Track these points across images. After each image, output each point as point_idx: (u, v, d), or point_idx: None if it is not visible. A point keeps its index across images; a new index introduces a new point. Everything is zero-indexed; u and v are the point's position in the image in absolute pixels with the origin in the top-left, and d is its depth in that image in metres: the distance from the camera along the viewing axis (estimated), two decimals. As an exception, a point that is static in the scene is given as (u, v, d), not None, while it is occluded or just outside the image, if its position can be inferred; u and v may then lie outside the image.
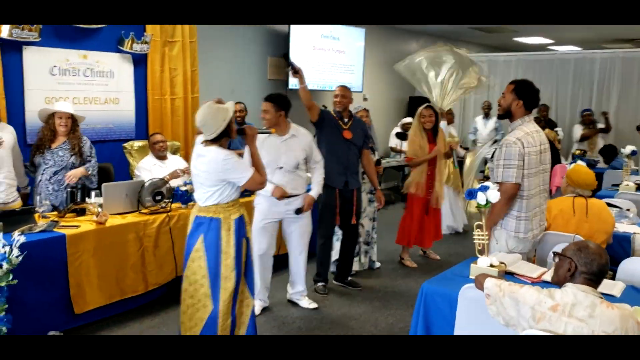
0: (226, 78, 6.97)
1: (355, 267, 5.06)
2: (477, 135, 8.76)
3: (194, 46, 6.16)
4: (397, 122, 9.14)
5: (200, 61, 6.30)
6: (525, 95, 3.19)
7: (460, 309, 2.56)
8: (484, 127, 8.71)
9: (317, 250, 4.62)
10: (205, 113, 2.98)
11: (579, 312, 1.97)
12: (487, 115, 8.70)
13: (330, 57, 8.18)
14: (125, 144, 5.41)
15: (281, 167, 3.94)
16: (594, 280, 2.07)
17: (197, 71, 6.24)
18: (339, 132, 4.49)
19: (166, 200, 4.31)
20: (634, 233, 3.80)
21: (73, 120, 4.38)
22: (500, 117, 3.34)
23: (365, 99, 9.11)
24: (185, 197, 4.41)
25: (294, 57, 7.49)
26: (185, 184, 4.47)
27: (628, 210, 4.42)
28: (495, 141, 8.41)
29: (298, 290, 4.33)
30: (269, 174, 3.78)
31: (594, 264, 2.06)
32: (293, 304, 4.36)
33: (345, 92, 4.60)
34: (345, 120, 4.56)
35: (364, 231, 5.09)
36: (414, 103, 9.58)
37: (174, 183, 4.52)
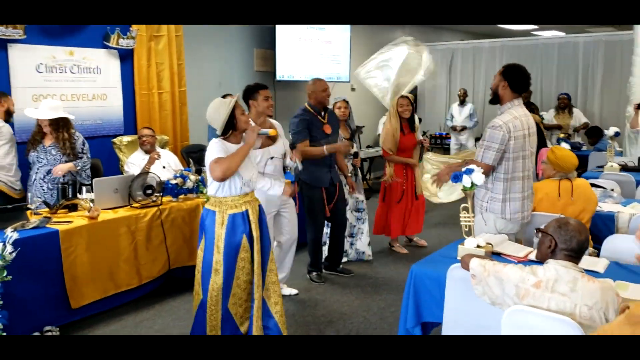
0: (213, 71, 6.98)
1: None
2: (453, 121, 9.00)
3: (179, 40, 6.17)
4: (384, 112, 9.19)
5: (187, 55, 6.32)
6: (510, 76, 3.25)
7: (449, 289, 2.62)
8: (459, 114, 8.95)
9: (309, 244, 4.66)
10: (209, 110, 3.10)
11: (560, 287, 2.03)
12: (462, 103, 8.94)
13: (317, 47, 8.20)
14: (115, 140, 5.44)
15: (272, 158, 3.94)
16: (574, 256, 2.14)
17: (183, 65, 6.25)
18: (320, 128, 4.44)
19: (157, 194, 4.34)
20: (618, 212, 3.89)
21: (59, 120, 4.37)
22: (491, 102, 3.39)
23: (352, 89, 9.15)
24: (176, 190, 4.44)
25: (280, 48, 7.54)
26: (175, 177, 4.50)
27: (612, 190, 4.51)
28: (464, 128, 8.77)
29: (281, 277, 4.35)
30: (262, 166, 3.84)
31: (574, 240, 2.13)
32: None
33: (328, 86, 4.55)
34: (322, 113, 4.52)
35: (347, 223, 5.06)
36: (401, 91, 9.64)
37: (164, 176, 4.55)
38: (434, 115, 10.47)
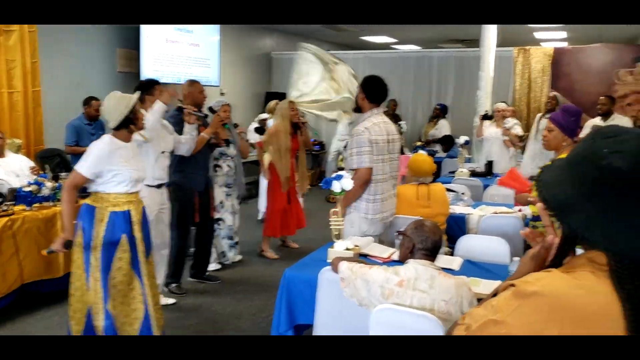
0: (71, 70, 6.55)
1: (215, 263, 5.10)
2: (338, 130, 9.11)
3: (33, 36, 5.73)
4: (254, 118, 9.21)
5: (42, 52, 5.88)
6: (366, 88, 3.49)
7: (320, 291, 2.71)
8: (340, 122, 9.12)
9: (173, 253, 4.35)
10: (107, 103, 3.01)
11: (420, 284, 2.20)
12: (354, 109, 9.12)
13: (184, 50, 8.03)
14: (-44, 143, 4.89)
15: (163, 152, 3.92)
16: (430, 255, 2.33)
17: (38, 63, 5.81)
18: (199, 131, 4.40)
19: (7, 203, 3.98)
20: (469, 214, 4.27)
21: None
22: (354, 110, 3.61)
23: (222, 94, 9.07)
24: (30, 198, 4.11)
25: (145, 49, 7.29)
26: (29, 184, 4.16)
27: (463, 194, 4.93)
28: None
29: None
30: (153, 160, 3.82)
31: (429, 240, 2.32)
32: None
33: (204, 88, 4.59)
34: None
35: (225, 226, 5.10)
36: (271, 98, 9.72)
37: (16, 183, 4.19)
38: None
